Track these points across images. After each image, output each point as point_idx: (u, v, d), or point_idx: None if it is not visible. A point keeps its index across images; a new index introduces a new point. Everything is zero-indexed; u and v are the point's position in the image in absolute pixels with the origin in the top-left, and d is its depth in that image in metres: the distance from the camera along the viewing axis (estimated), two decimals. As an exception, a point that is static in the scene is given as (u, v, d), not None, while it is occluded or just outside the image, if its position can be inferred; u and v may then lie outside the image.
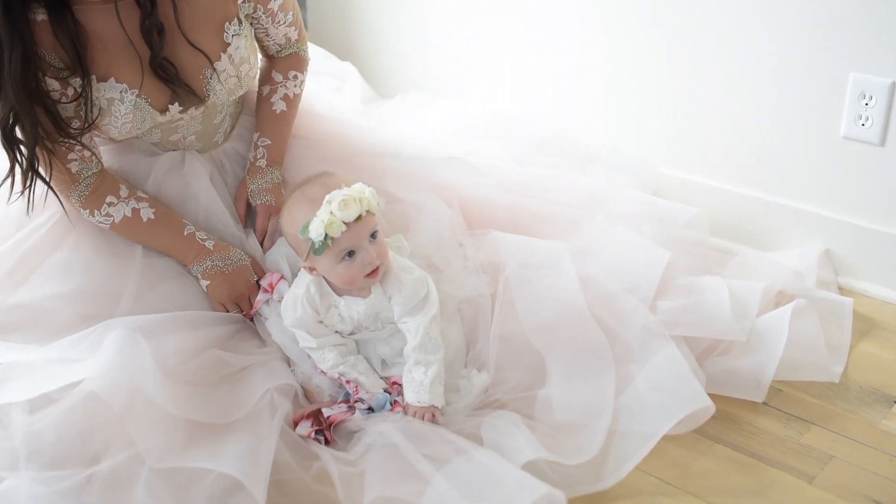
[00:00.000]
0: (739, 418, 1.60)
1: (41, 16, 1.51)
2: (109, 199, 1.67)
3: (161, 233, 1.69)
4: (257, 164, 1.80)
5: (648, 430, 1.47)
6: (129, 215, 1.67)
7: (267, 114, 1.84)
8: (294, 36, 1.83)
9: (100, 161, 1.70)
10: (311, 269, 1.55)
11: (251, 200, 1.79)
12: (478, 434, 1.47)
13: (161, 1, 1.57)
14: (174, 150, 1.79)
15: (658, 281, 1.69)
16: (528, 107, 2.43)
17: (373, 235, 1.51)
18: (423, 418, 1.49)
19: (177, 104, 1.67)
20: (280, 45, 1.82)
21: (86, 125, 1.58)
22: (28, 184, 1.56)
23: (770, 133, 2.03)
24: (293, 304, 1.57)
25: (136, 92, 1.61)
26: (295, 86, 1.85)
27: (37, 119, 1.50)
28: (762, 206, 2.08)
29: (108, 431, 1.37)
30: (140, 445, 1.35)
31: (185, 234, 1.68)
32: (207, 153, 1.82)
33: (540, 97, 2.43)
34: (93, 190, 1.67)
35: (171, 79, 1.61)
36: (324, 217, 1.45)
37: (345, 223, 1.46)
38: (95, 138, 1.71)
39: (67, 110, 1.58)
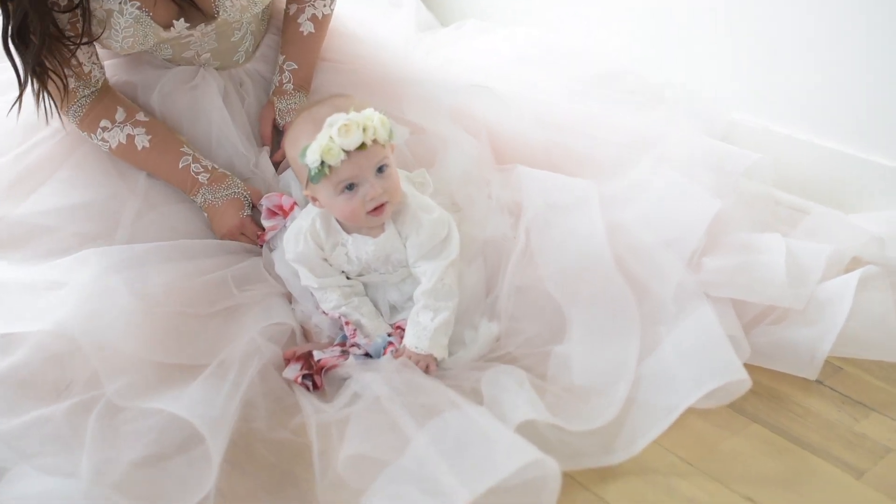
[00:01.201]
0: (786, 396, 1.40)
1: None
2: (103, 123, 1.58)
3: (156, 163, 1.60)
4: (283, 87, 1.69)
5: (672, 401, 1.28)
6: (124, 142, 1.58)
7: (293, 35, 1.71)
8: None
9: (99, 80, 1.60)
10: (314, 200, 1.41)
11: (279, 120, 1.68)
12: (478, 389, 1.31)
13: None
14: (189, 66, 1.67)
15: (703, 234, 1.49)
16: (592, 39, 2.22)
17: (380, 169, 1.35)
18: (416, 364, 1.35)
19: (182, 20, 1.54)
20: None
21: (82, 37, 1.47)
22: (39, 92, 1.48)
23: (859, 78, 1.78)
24: (296, 238, 1.44)
25: (138, 4, 1.49)
26: (324, 5, 1.72)
27: (49, 20, 1.40)
28: (845, 160, 1.84)
29: (72, 369, 1.28)
30: (106, 385, 1.26)
31: (181, 166, 1.58)
32: (226, 71, 1.71)
33: (606, 30, 2.21)
34: (87, 111, 1.58)
35: None
36: (322, 142, 1.30)
37: (345, 151, 1.31)
38: (100, 52, 1.61)
39: (61, 21, 1.47)
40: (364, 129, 1.30)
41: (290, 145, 1.45)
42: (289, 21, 1.71)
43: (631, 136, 1.75)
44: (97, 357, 1.27)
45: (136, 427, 1.22)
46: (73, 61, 1.53)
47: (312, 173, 1.32)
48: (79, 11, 1.45)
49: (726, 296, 1.46)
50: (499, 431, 1.18)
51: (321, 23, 1.71)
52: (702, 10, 2.00)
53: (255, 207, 1.61)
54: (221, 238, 1.59)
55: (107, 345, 1.29)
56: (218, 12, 1.57)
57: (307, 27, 1.69)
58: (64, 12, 1.45)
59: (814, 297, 1.48)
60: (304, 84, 1.71)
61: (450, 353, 1.40)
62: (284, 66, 1.69)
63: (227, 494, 1.20)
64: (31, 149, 1.62)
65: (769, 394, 1.40)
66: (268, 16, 1.77)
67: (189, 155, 1.60)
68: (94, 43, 1.54)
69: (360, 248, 1.41)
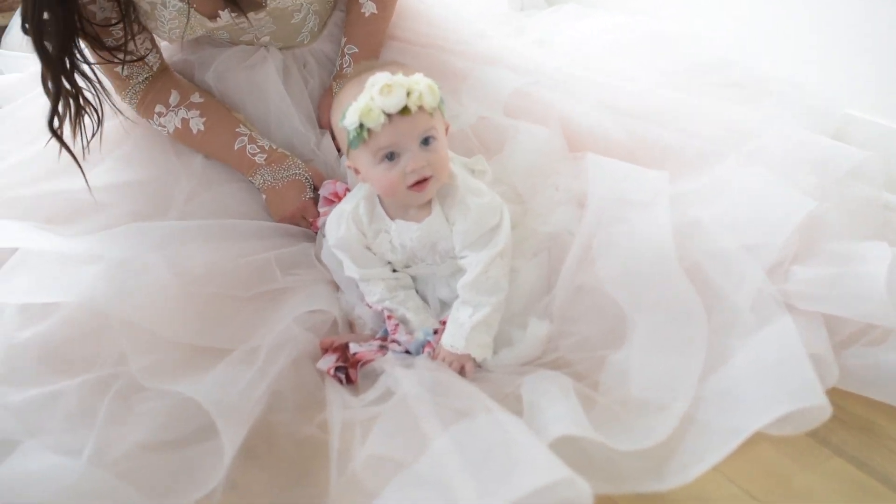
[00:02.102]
0: (879, 429, 1.22)
1: None
2: (158, 108, 1.55)
3: (212, 145, 1.56)
4: (343, 72, 1.61)
5: (737, 423, 1.10)
6: (179, 126, 1.55)
7: (355, 16, 1.63)
8: None
9: (155, 64, 1.57)
10: (356, 172, 1.31)
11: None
12: (518, 395, 1.19)
13: None
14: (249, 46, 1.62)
15: (793, 238, 1.32)
16: (697, 28, 2.05)
17: (426, 141, 1.23)
18: (450, 365, 1.24)
19: (227, 10, 1.49)
20: None
21: (127, 33, 1.44)
22: (61, 89, 1.41)
23: None
24: (337, 221, 1.35)
25: None
26: None
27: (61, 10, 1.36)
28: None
29: (99, 345, 1.24)
30: (132, 363, 1.21)
31: (236, 147, 1.53)
32: (290, 51, 1.64)
33: (712, 18, 2.04)
34: (141, 98, 1.56)
35: None
36: (362, 102, 1.19)
37: (386, 114, 1.19)
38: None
39: (106, 10, 1.44)
40: (409, 93, 1.19)
41: (333, 112, 1.36)
42: (351, 2, 1.64)
43: (723, 128, 1.58)
44: (125, 334, 1.23)
45: (151, 407, 1.17)
46: (125, 49, 1.49)
47: (351, 136, 1.22)
48: (120, 6, 1.41)
49: (817, 310, 1.29)
50: (529, 443, 1.05)
51: (384, 2, 1.63)
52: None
53: (317, 190, 1.54)
54: (280, 221, 1.52)
55: (136, 322, 1.24)
56: (266, 2, 1.51)
57: (369, 7, 1.61)
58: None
59: (922, 319, 1.28)
60: None
61: (494, 353, 1.28)
62: (345, 50, 1.61)
63: (241, 487, 1.13)
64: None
65: (859, 424, 1.22)
66: None
67: (245, 135, 1.54)
68: (143, 30, 1.51)
69: (404, 234, 1.31)
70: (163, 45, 1.62)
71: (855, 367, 1.26)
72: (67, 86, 1.40)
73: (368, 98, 1.19)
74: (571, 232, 1.38)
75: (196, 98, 1.56)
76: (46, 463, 1.07)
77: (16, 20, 2.07)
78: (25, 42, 1.39)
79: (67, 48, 1.37)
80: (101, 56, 1.44)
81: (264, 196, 1.53)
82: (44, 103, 1.46)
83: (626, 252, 1.29)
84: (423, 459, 1.05)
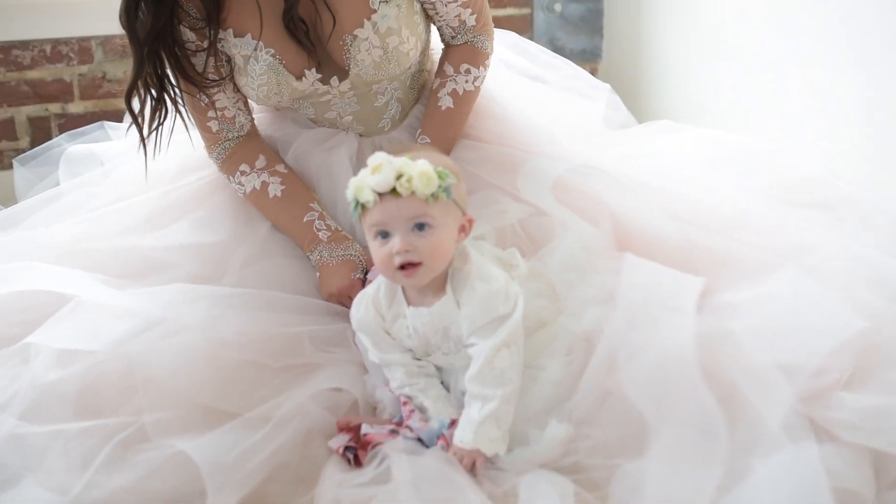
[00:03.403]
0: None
1: None
2: (243, 167, 1.63)
3: (283, 213, 1.61)
4: None
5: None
6: (258, 188, 1.62)
7: (431, 109, 1.68)
8: (470, 21, 1.65)
9: (245, 126, 1.66)
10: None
11: None
12: (514, 493, 1.15)
13: None
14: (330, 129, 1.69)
15: (843, 362, 1.23)
16: (790, 146, 1.99)
17: (420, 227, 1.24)
18: (460, 461, 1.20)
19: (314, 70, 1.57)
20: (454, 30, 1.66)
21: (214, 79, 1.55)
22: (153, 127, 1.56)
23: None
24: (358, 302, 1.36)
25: (271, 51, 1.55)
26: (466, 81, 1.66)
27: (158, 64, 1.50)
28: None
29: (119, 395, 1.29)
30: (146, 416, 1.25)
31: (305, 220, 1.59)
32: (369, 138, 1.70)
33: (806, 138, 1.99)
34: (229, 155, 1.64)
35: (301, 37, 1.52)
36: (356, 178, 1.24)
37: (377, 192, 1.22)
38: (252, 105, 1.68)
39: (209, 64, 1.56)
40: (399, 175, 1.21)
41: None
42: (431, 95, 1.69)
43: (787, 241, 1.51)
44: (145, 388, 1.27)
45: (148, 457, 1.18)
46: (218, 104, 1.61)
47: (351, 209, 1.26)
48: (209, 50, 1.53)
49: (864, 443, 1.18)
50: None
51: (462, 99, 1.66)
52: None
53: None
54: (327, 299, 1.54)
55: (158, 378, 1.28)
56: (349, 65, 1.57)
57: (446, 101, 1.65)
58: (198, 51, 1.54)
59: None
60: None
61: (509, 450, 1.24)
62: (418, 140, 1.66)
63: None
64: (179, 187, 1.70)
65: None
66: (419, 85, 1.76)
67: (316, 211, 1.60)
68: (238, 91, 1.61)
69: (417, 318, 1.31)
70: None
71: (901, 513, 1.13)
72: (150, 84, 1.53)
73: (362, 176, 1.22)
74: (612, 337, 1.33)
75: (281, 168, 1.64)
76: (35, 498, 1.10)
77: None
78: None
79: (155, 41, 1.48)
80: (185, 77, 1.55)
81: (318, 273, 1.56)
82: (139, 165, 1.60)
83: (652, 359, 1.23)
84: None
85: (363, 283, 1.54)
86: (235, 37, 1.55)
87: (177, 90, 1.57)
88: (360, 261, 1.56)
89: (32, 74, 2.73)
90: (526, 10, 3.01)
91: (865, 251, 1.46)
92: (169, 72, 1.55)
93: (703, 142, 2.01)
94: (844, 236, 1.54)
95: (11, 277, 1.47)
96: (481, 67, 1.68)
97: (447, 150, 1.66)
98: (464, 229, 1.30)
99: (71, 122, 2.71)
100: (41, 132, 2.74)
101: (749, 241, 1.49)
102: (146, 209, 1.67)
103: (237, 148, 1.64)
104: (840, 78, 1.99)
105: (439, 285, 1.29)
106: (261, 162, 1.62)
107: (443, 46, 1.72)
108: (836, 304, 1.27)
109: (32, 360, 1.31)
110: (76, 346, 1.30)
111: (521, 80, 2.08)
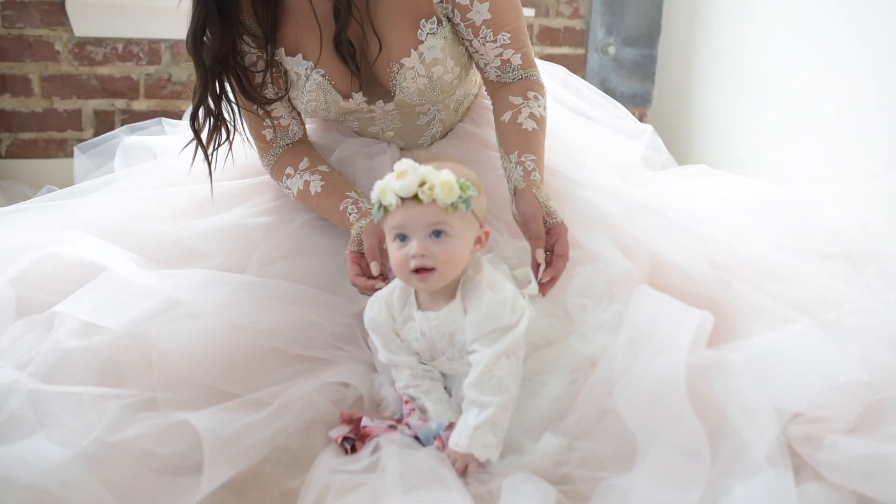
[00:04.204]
0: None
1: None
2: (288, 170, 1.70)
3: (324, 205, 1.67)
4: (532, 178, 1.56)
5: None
6: (301, 188, 1.68)
7: (517, 133, 1.62)
8: (515, 60, 1.66)
9: (297, 134, 1.73)
10: None
11: (548, 219, 1.53)
12: (496, 493, 1.18)
13: None
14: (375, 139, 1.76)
15: (843, 410, 1.24)
16: (821, 197, 2.01)
17: (437, 233, 1.29)
18: (454, 463, 1.25)
19: (361, 93, 1.64)
20: (500, 70, 1.67)
21: (276, 93, 1.62)
22: (211, 149, 1.63)
23: None
24: (372, 302, 1.42)
25: (322, 72, 1.62)
26: (539, 106, 1.64)
27: (219, 86, 1.57)
28: None
29: (134, 370, 1.34)
30: (158, 392, 1.31)
31: (341, 208, 1.63)
32: (410, 152, 1.76)
33: (839, 191, 2.00)
34: (277, 160, 1.71)
35: (349, 60, 1.58)
36: (382, 182, 1.30)
37: (399, 197, 1.27)
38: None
39: (267, 76, 1.63)
40: (422, 183, 1.27)
41: None
42: (508, 126, 1.63)
43: (810, 295, 1.52)
44: (159, 367, 1.32)
45: (154, 423, 1.24)
46: (274, 113, 1.68)
47: (374, 210, 1.31)
48: (267, 70, 1.60)
49: (852, 486, 1.19)
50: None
51: (540, 122, 1.64)
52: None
53: None
54: (369, 248, 1.52)
55: (173, 359, 1.34)
56: (395, 92, 1.64)
57: (529, 124, 1.62)
58: (257, 70, 1.62)
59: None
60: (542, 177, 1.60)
61: (501, 457, 1.28)
62: (523, 159, 1.57)
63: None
64: (222, 182, 1.76)
65: None
66: (464, 108, 1.81)
67: (350, 198, 1.63)
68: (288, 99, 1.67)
69: (425, 322, 1.36)
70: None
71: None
72: (211, 105, 1.59)
73: (387, 179, 1.28)
74: (612, 360, 1.37)
75: (323, 168, 1.69)
76: (41, 447, 1.17)
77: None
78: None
79: (219, 66, 1.55)
80: (244, 96, 1.62)
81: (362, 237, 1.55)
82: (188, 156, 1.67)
83: (647, 383, 1.26)
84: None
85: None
86: (288, 55, 1.63)
87: (235, 109, 1.64)
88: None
89: (103, 70, 2.87)
90: (580, 51, 3.07)
91: (884, 309, 1.47)
92: (228, 89, 1.61)
93: (735, 187, 2.03)
94: (866, 293, 1.55)
95: (60, 242, 1.55)
96: (544, 96, 1.68)
97: (543, 165, 1.61)
98: (480, 241, 1.35)
99: (134, 118, 2.84)
100: (105, 125, 2.87)
101: (774, 292, 1.50)
102: (189, 199, 1.74)
103: (285, 153, 1.71)
104: (882, 135, 2.00)
105: (450, 292, 1.34)
106: (304, 164, 1.69)
107: (495, 92, 1.69)
108: (837, 354, 1.28)
109: (56, 328, 1.37)
110: (97, 319, 1.36)
111: (567, 113, 2.13)
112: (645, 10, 2.94)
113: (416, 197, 1.27)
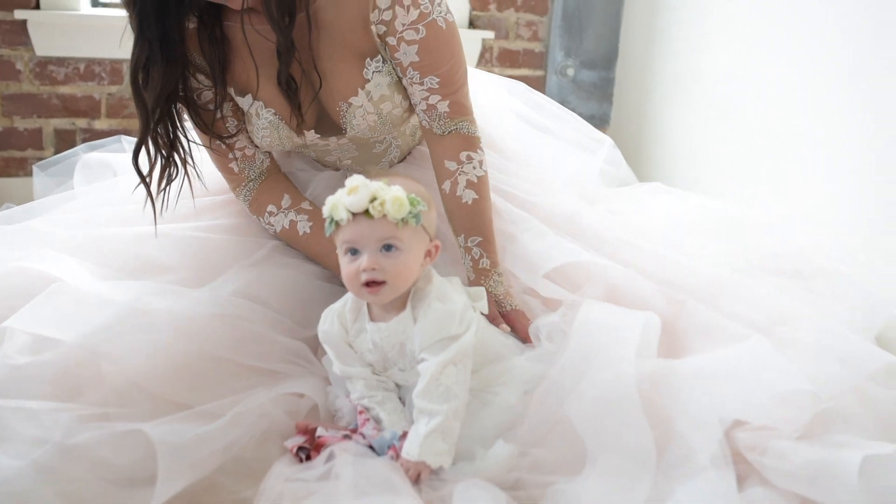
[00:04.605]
0: None
1: (192, 24, 1.56)
2: (270, 208, 1.70)
3: (315, 249, 1.68)
4: (480, 266, 1.61)
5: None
6: (287, 227, 1.69)
7: (459, 210, 1.63)
8: (442, 107, 1.62)
9: (265, 161, 1.72)
10: None
11: (500, 307, 1.60)
12: (448, 499, 1.20)
13: (298, 24, 1.52)
14: (335, 170, 1.77)
15: (791, 420, 1.28)
16: (772, 217, 2.07)
17: (388, 247, 1.32)
18: (407, 472, 1.27)
19: (313, 131, 1.65)
20: (426, 114, 1.64)
21: (237, 126, 1.63)
22: (162, 186, 1.59)
23: None
24: (325, 315, 1.44)
25: (273, 111, 1.62)
26: (474, 168, 1.63)
27: (170, 123, 1.55)
28: None
29: (87, 385, 1.34)
30: (110, 406, 1.31)
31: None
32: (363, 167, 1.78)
33: (789, 209, 2.06)
34: (255, 196, 1.71)
35: (291, 100, 1.57)
36: (333, 198, 1.32)
37: (350, 212, 1.30)
38: None
39: (225, 109, 1.64)
40: (373, 198, 1.29)
41: None
42: (450, 199, 1.65)
43: (762, 313, 1.57)
44: (111, 380, 1.33)
45: (106, 431, 1.24)
46: (237, 145, 1.68)
47: (326, 224, 1.33)
48: (217, 109, 1.59)
49: (797, 491, 1.23)
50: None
51: (480, 185, 1.64)
52: (882, 201, 1.80)
53: None
54: None
55: (124, 370, 1.35)
56: (345, 129, 1.65)
57: (468, 195, 1.62)
58: (209, 103, 1.60)
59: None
60: (495, 257, 1.62)
61: (453, 465, 1.30)
62: (469, 244, 1.62)
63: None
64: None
65: None
66: (418, 132, 1.83)
67: None
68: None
69: (376, 333, 1.38)
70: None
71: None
72: (160, 143, 1.55)
73: (339, 195, 1.31)
74: (563, 370, 1.39)
75: (306, 206, 1.70)
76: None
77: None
78: None
79: (161, 104, 1.52)
80: (202, 132, 1.61)
81: None
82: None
83: (596, 391, 1.29)
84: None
85: None
86: (237, 95, 1.63)
87: (186, 149, 1.59)
88: None
89: (64, 89, 2.88)
90: (540, 73, 3.13)
91: (834, 325, 1.51)
92: (180, 132, 1.58)
93: (688, 206, 2.08)
94: (816, 309, 1.60)
95: (16, 257, 1.55)
96: (479, 150, 1.66)
97: (493, 239, 1.64)
98: (430, 254, 1.38)
99: (95, 137, 2.84)
100: (66, 144, 2.88)
101: (728, 310, 1.54)
102: (150, 215, 1.74)
103: (262, 188, 1.71)
104: (830, 155, 2.06)
105: (401, 303, 1.37)
106: (286, 201, 1.70)
107: (430, 144, 1.69)
108: (783, 365, 1.33)
109: (6, 342, 1.37)
110: (49, 333, 1.36)
111: (528, 129, 2.17)
112: (603, 33, 3.00)
113: (367, 212, 1.29)
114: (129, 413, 1.30)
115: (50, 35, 2.80)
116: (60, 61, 2.85)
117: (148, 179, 1.57)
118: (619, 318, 1.38)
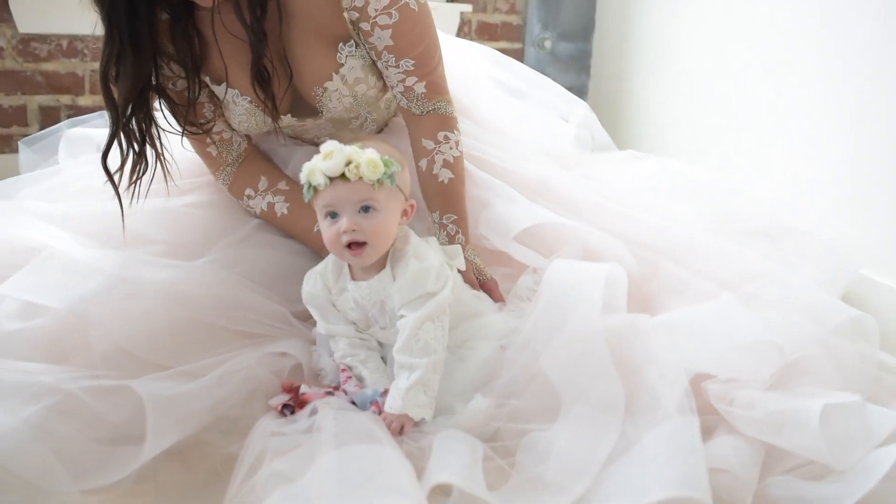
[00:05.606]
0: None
1: (164, 15, 1.55)
2: (248, 191, 1.73)
3: (293, 228, 1.72)
4: (456, 241, 1.65)
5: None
6: (266, 209, 1.72)
7: (435, 188, 1.66)
8: (419, 88, 1.65)
9: (242, 144, 1.74)
10: None
11: (478, 276, 1.64)
12: (427, 449, 1.25)
13: (269, 15, 1.52)
14: (314, 146, 1.81)
15: (758, 372, 1.35)
16: (741, 180, 2.12)
17: (365, 209, 1.36)
18: (390, 426, 1.32)
19: (289, 115, 1.68)
20: (404, 96, 1.67)
21: (213, 111, 1.64)
22: (133, 180, 1.58)
23: None
24: (308, 277, 1.49)
25: (249, 98, 1.64)
26: (451, 148, 1.66)
27: (142, 118, 1.54)
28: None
29: (76, 350, 1.38)
30: (98, 369, 1.35)
31: (315, 230, 1.67)
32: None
33: (759, 173, 2.11)
34: (233, 180, 1.74)
35: (265, 89, 1.56)
36: (310, 163, 1.36)
37: (327, 176, 1.34)
38: None
39: (201, 96, 1.64)
40: (348, 162, 1.33)
41: None
42: (426, 178, 1.68)
43: (731, 270, 1.63)
44: (100, 346, 1.37)
45: (97, 384, 1.29)
46: (214, 129, 1.69)
47: (304, 191, 1.37)
48: (194, 99, 1.59)
49: (762, 438, 1.29)
50: (409, 485, 1.11)
51: (455, 165, 1.66)
52: (851, 164, 1.85)
53: None
54: None
55: (114, 338, 1.39)
56: (322, 111, 1.68)
57: (444, 175, 1.65)
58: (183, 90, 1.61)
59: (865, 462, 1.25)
60: (468, 235, 1.66)
61: (434, 419, 1.35)
62: (444, 221, 1.65)
63: (159, 479, 1.25)
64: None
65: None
66: (396, 105, 1.85)
67: None
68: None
69: (357, 292, 1.43)
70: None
71: (776, 498, 1.24)
72: (132, 137, 1.54)
73: (315, 161, 1.35)
74: (535, 325, 1.45)
75: (283, 185, 1.73)
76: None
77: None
78: None
79: (134, 98, 1.51)
80: (177, 115, 1.62)
81: None
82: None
83: (568, 345, 1.34)
84: (307, 476, 1.13)
85: None
86: (213, 84, 1.64)
87: (160, 140, 1.58)
88: None
89: (48, 66, 2.89)
90: (518, 45, 3.16)
91: (800, 282, 1.57)
92: (154, 123, 1.57)
93: (660, 170, 2.14)
94: (783, 266, 1.65)
95: (4, 226, 1.59)
96: (455, 131, 1.69)
97: (466, 217, 1.68)
98: (406, 213, 1.43)
99: (79, 114, 2.83)
100: (51, 121, 2.89)
101: (699, 269, 1.60)
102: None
103: (239, 172, 1.73)
104: (805, 118, 2.11)
105: (381, 263, 1.42)
106: (262, 184, 1.72)
107: (408, 123, 1.72)
108: (751, 319, 1.38)
109: None
110: (39, 300, 1.40)
111: (503, 96, 2.21)
112: (579, 5, 3.04)
113: (343, 175, 1.34)
114: (118, 377, 1.34)
115: (32, 12, 2.81)
116: (43, 38, 2.87)
117: (119, 174, 1.56)
118: (583, 272, 1.43)
